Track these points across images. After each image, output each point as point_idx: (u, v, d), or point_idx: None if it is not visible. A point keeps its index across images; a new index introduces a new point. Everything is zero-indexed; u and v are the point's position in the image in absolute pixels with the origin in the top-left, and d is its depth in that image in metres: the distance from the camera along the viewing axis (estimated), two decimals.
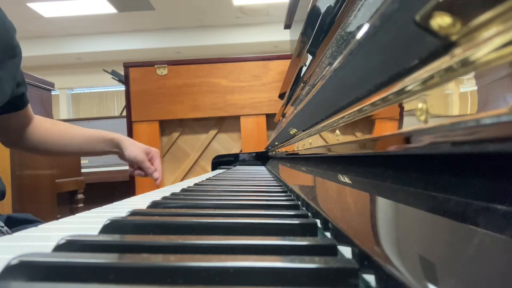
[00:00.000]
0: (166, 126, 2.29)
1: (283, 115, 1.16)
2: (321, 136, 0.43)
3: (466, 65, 0.12)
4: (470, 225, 0.14)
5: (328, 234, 0.32)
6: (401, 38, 0.18)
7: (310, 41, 0.57)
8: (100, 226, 0.31)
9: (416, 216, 0.18)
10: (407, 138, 0.19)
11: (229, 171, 1.47)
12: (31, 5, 5.05)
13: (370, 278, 0.21)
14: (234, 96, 2.25)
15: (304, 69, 0.66)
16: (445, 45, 0.13)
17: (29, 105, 0.87)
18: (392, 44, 0.19)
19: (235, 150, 2.26)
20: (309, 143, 0.53)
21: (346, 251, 0.26)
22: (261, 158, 1.86)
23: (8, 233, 0.68)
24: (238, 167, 1.74)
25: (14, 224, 0.76)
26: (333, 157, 0.47)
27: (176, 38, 6.44)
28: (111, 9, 5.39)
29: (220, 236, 0.27)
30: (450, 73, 0.14)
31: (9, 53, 0.73)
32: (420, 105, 0.16)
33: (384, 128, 0.23)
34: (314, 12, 0.57)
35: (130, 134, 2.25)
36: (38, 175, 2.00)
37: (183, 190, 0.64)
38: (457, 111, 0.14)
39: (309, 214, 0.37)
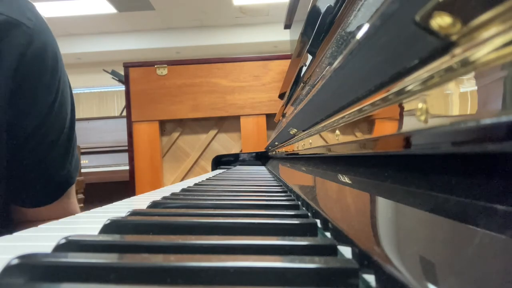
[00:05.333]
0: (166, 126, 2.29)
1: (283, 115, 1.16)
2: (321, 136, 0.43)
3: (466, 65, 0.12)
4: (470, 225, 0.14)
5: (328, 234, 0.32)
6: (401, 38, 0.18)
7: (310, 41, 0.57)
8: (100, 226, 0.31)
9: (416, 216, 0.18)
10: (407, 138, 0.19)
11: (229, 171, 1.47)
12: None
13: (370, 278, 0.21)
14: (234, 96, 2.25)
15: (304, 69, 0.66)
16: (445, 45, 0.13)
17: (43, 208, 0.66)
18: (392, 44, 0.19)
19: (235, 150, 2.26)
20: (309, 143, 0.53)
21: (346, 251, 0.26)
22: (261, 158, 1.86)
23: None
24: (238, 167, 1.74)
25: None
26: (333, 157, 0.47)
27: (176, 38, 6.44)
28: (111, 9, 5.39)
29: (220, 236, 0.27)
30: (450, 73, 0.14)
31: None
32: (420, 105, 0.16)
33: (384, 128, 0.23)
34: (314, 12, 0.57)
35: (130, 134, 2.25)
36: None
37: (183, 190, 0.64)
38: (457, 111, 0.14)
39: (309, 214, 0.37)
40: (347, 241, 0.25)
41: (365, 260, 0.22)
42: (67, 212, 0.70)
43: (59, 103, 0.64)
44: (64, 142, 0.67)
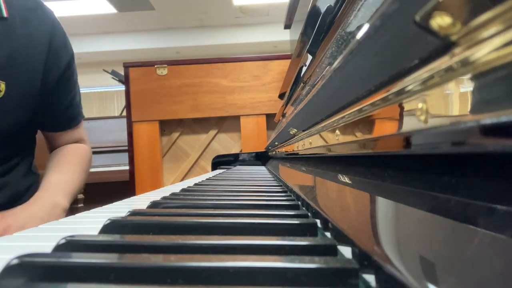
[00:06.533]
0: (166, 126, 2.29)
1: (283, 115, 1.16)
2: (321, 136, 0.43)
3: (466, 65, 0.12)
4: (470, 225, 0.14)
5: (328, 234, 0.32)
6: (401, 38, 0.18)
7: (310, 41, 0.57)
8: (100, 226, 0.31)
9: (416, 216, 0.18)
10: (407, 138, 0.19)
11: (229, 171, 1.47)
12: None
13: (370, 278, 0.21)
14: (234, 96, 2.25)
15: (304, 69, 0.66)
16: (445, 45, 0.13)
17: (65, 133, 0.97)
18: (392, 44, 0.19)
19: (235, 150, 2.26)
20: (309, 143, 0.53)
21: (346, 251, 0.26)
22: (261, 158, 1.86)
23: None
24: (238, 167, 1.74)
25: None
26: (333, 157, 0.47)
27: (176, 38, 6.44)
28: (111, 9, 5.39)
29: (220, 236, 0.27)
30: (450, 73, 0.14)
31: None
32: (420, 105, 0.16)
33: (384, 128, 0.23)
34: (314, 12, 0.57)
35: (130, 134, 2.25)
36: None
37: (183, 190, 0.64)
38: (457, 111, 0.14)
39: (309, 214, 0.37)
40: (347, 241, 0.25)
41: (365, 260, 0.22)
42: (82, 138, 1.03)
43: (74, 58, 0.93)
44: (78, 87, 0.97)
